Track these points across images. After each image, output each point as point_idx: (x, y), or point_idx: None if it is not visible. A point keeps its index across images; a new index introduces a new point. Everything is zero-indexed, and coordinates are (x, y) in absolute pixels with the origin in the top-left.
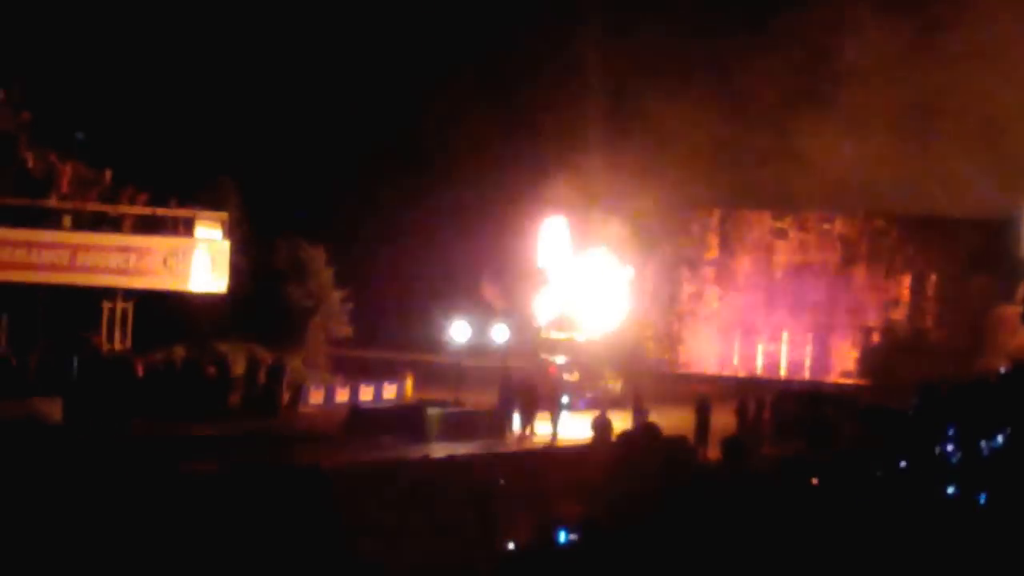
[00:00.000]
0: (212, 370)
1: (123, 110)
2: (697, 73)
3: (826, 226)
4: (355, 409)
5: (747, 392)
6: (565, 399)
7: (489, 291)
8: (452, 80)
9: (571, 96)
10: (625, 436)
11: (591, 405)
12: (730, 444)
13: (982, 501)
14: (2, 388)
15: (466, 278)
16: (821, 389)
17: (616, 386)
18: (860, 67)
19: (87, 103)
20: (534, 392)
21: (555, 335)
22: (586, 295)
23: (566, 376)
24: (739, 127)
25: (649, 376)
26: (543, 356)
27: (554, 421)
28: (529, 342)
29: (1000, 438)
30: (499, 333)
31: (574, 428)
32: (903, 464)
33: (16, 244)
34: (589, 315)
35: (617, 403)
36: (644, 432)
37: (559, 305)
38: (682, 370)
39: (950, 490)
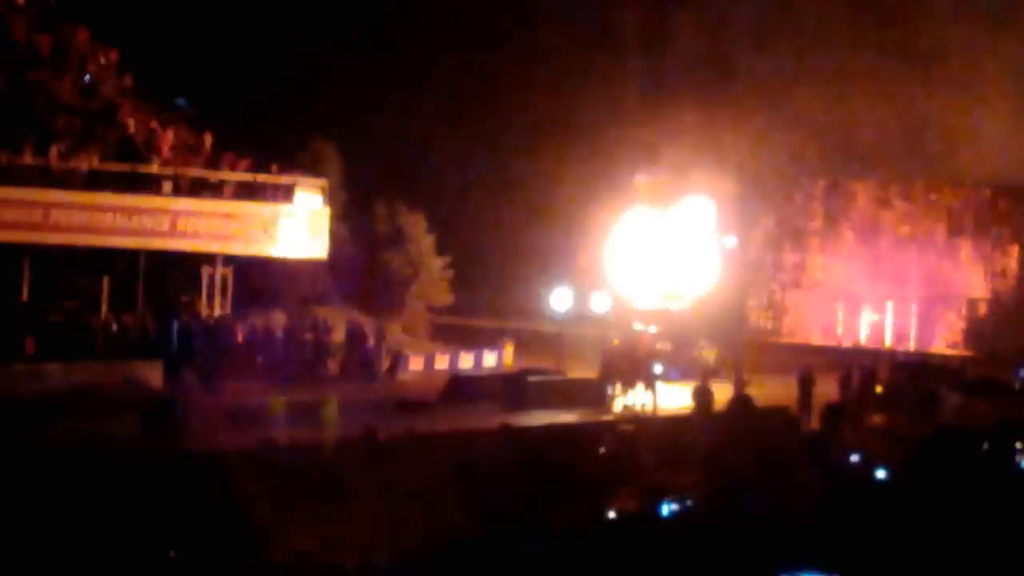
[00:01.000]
0: (310, 336)
1: (224, 74)
2: (804, 38)
3: (933, 196)
4: (454, 376)
5: (851, 362)
6: (658, 369)
7: (587, 258)
8: (551, 41)
9: (675, 59)
10: (726, 407)
11: (684, 375)
12: (831, 411)
13: None
14: (103, 352)
15: (566, 245)
16: (926, 360)
17: (711, 356)
18: (968, 34)
19: (188, 68)
20: (635, 362)
21: (648, 304)
22: (681, 263)
23: (658, 346)
24: (845, 94)
25: (752, 346)
26: (636, 325)
27: (652, 391)
28: (622, 311)
29: None
30: (599, 301)
31: (668, 398)
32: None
33: (117, 209)
34: (683, 284)
35: (711, 373)
36: (739, 403)
37: (653, 273)
38: (786, 340)
39: None
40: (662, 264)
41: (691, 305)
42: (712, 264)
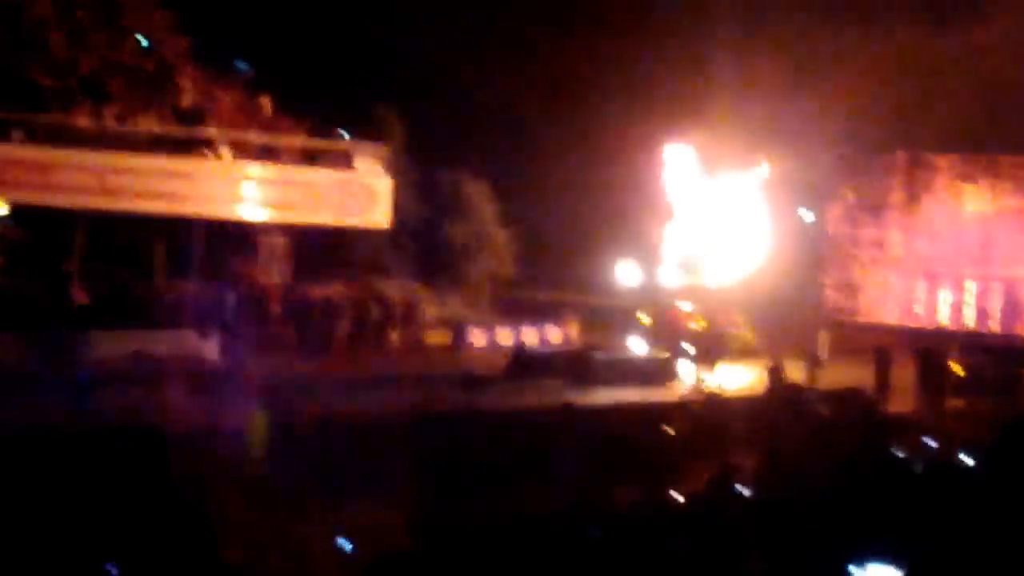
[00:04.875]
0: (371, 307)
1: (284, 38)
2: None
3: (1018, 170)
4: (518, 351)
5: (931, 343)
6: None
7: (655, 232)
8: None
9: (746, 24)
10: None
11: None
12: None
13: None
14: (157, 320)
15: (634, 217)
16: (1010, 341)
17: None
18: None
19: (247, 31)
20: (705, 339)
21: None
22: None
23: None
24: (927, 65)
25: (825, 326)
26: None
27: (712, 370)
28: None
29: None
30: (669, 276)
31: (734, 377)
32: None
33: (173, 175)
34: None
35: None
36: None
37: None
38: (862, 319)
39: None
40: (704, 236)
41: (732, 281)
42: (760, 238)
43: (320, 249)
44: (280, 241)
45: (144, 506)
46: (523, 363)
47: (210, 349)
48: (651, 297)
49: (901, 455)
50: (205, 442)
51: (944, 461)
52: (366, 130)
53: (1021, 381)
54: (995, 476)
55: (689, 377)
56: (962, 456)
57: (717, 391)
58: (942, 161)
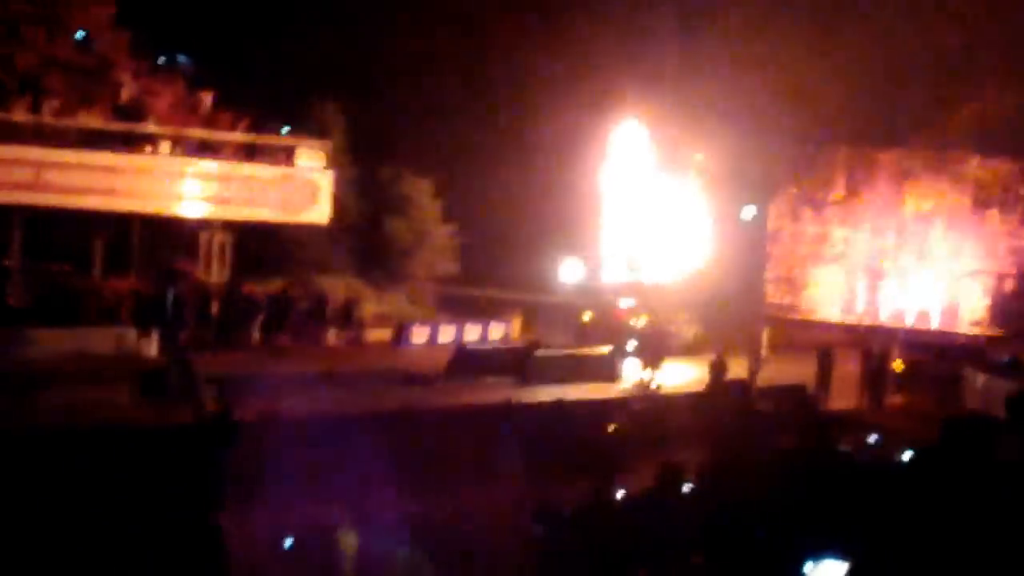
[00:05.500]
0: (309, 305)
1: (225, 32)
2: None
3: (960, 168)
4: (460, 349)
5: (872, 340)
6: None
7: (597, 228)
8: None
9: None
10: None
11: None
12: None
13: None
14: (95, 317)
15: (576, 214)
16: (950, 339)
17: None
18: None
19: (187, 25)
20: (648, 336)
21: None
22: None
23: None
24: (870, 61)
25: (768, 322)
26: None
27: (658, 367)
28: (603, 283)
29: None
30: (611, 273)
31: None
32: None
33: (112, 170)
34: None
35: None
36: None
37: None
38: (803, 316)
39: None
40: (657, 233)
41: (674, 278)
42: (702, 234)
43: (261, 245)
44: (220, 237)
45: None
46: (465, 361)
47: (149, 346)
48: (593, 294)
49: (843, 451)
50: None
51: (886, 457)
52: (307, 126)
53: (961, 377)
54: (936, 472)
55: (632, 374)
56: (904, 452)
57: (660, 388)
58: (884, 156)
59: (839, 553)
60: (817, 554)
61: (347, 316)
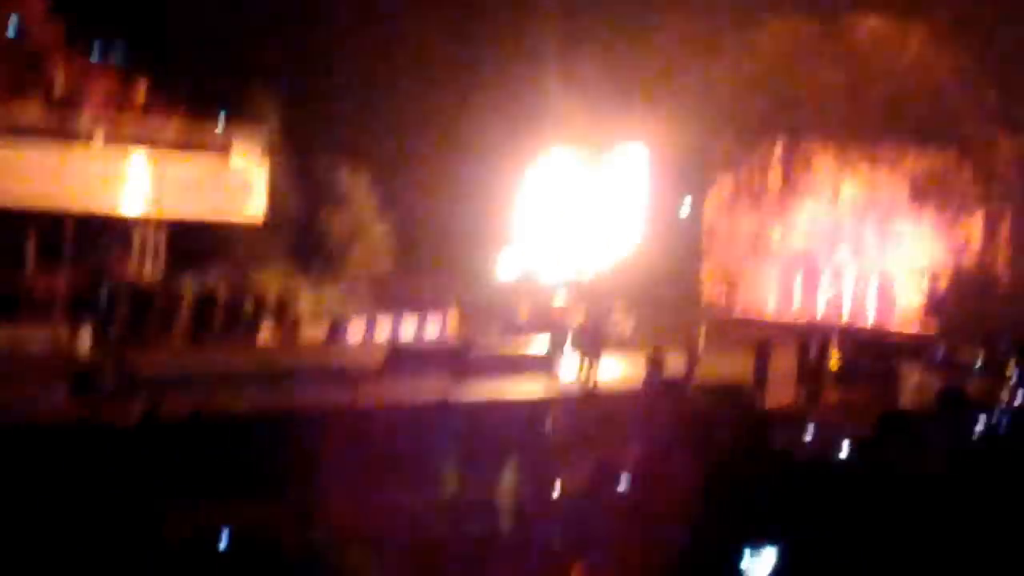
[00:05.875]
0: (244, 300)
1: (159, 23)
2: None
3: (897, 162)
4: (395, 345)
5: (809, 337)
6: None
7: (534, 222)
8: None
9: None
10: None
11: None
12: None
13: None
14: (28, 315)
15: (512, 209)
16: (885, 335)
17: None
18: None
19: (121, 15)
20: (584, 332)
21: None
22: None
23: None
24: (807, 52)
25: (703, 318)
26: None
27: (591, 362)
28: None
29: None
30: (547, 268)
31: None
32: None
33: (44, 165)
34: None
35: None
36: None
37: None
38: (741, 312)
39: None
40: (586, 223)
41: (609, 272)
42: (635, 226)
43: (195, 241)
44: (154, 233)
45: None
46: (400, 357)
47: (82, 344)
48: (530, 288)
49: (780, 447)
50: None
51: (822, 452)
52: (243, 118)
53: (896, 373)
54: (872, 466)
55: (568, 370)
56: (840, 447)
57: (597, 384)
58: (821, 150)
59: (777, 545)
60: (755, 546)
61: (281, 311)
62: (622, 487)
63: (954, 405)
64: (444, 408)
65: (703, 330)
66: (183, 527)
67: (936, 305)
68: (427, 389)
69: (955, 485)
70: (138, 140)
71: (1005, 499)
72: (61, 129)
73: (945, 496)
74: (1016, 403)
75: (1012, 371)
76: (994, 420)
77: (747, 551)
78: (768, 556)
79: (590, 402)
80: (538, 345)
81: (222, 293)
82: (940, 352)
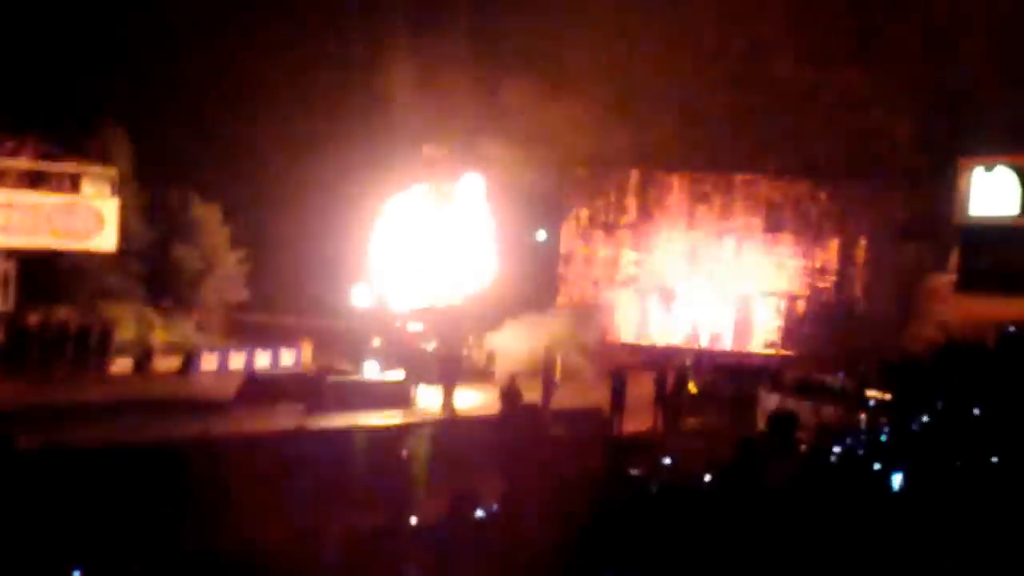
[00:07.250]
0: (94, 333)
1: (6, 54)
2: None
3: (751, 188)
4: (250, 376)
5: (666, 362)
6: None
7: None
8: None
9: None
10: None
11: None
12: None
13: (897, 481)
14: None
15: (365, 239)
16: (743, 359)
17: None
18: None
19: None
20: (439, 360)
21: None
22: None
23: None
24: (661, 84)
25: (560, 346)
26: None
27: (452, 392)
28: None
29: (927, 417)
30: (400, 297)
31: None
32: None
33: None
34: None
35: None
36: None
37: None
38: (599, 339)
39: (876, 466)
40: (436, 254)
41: (468, 300)
42: (488, 256)
43: (46, 273)
44: (4, 266)
45: None
46: (255, 388)
47: None
48: (383, 319)
49: (637, 474)
50: None
51: (680, 479)
52: (93, 152)
53: (754, 398)
54: (730, 492)
55: (425, 399)
56: (698, 473)
57: (453, 413)
58: (675, 179)
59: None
60: (613, 573)
61: (135, 344)
62: (479, 513)
63: (784, 428)
64: (299, 436)
65: (559, 358)
66: (34, 561)
67: (793, 329)
68: (282, 417)
69: (794, 503)
70: None
71: (847, 520)
72: None
73: (786, 514)
74: (875, 425)
75: (871, 394)
76: (849, 442)
77: None
78: None
79: (447, 428)
80: (394, 373)
81: (74, 325)
82: (797, 376)
